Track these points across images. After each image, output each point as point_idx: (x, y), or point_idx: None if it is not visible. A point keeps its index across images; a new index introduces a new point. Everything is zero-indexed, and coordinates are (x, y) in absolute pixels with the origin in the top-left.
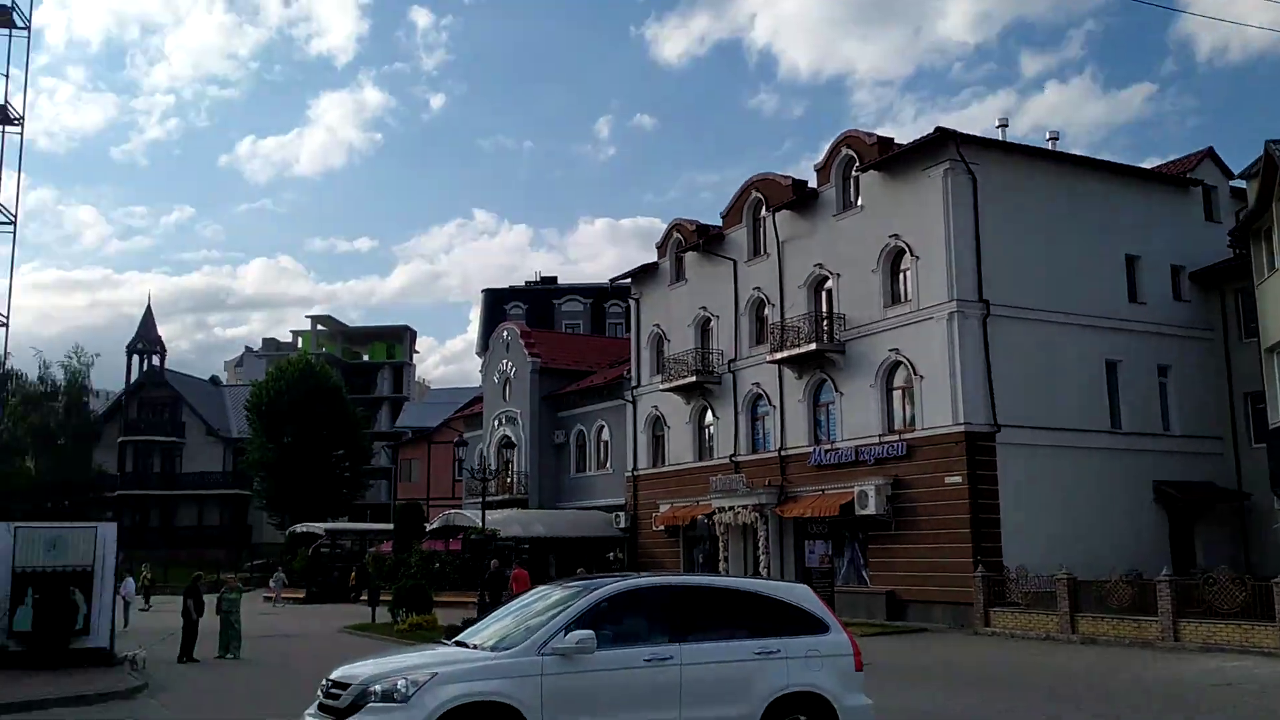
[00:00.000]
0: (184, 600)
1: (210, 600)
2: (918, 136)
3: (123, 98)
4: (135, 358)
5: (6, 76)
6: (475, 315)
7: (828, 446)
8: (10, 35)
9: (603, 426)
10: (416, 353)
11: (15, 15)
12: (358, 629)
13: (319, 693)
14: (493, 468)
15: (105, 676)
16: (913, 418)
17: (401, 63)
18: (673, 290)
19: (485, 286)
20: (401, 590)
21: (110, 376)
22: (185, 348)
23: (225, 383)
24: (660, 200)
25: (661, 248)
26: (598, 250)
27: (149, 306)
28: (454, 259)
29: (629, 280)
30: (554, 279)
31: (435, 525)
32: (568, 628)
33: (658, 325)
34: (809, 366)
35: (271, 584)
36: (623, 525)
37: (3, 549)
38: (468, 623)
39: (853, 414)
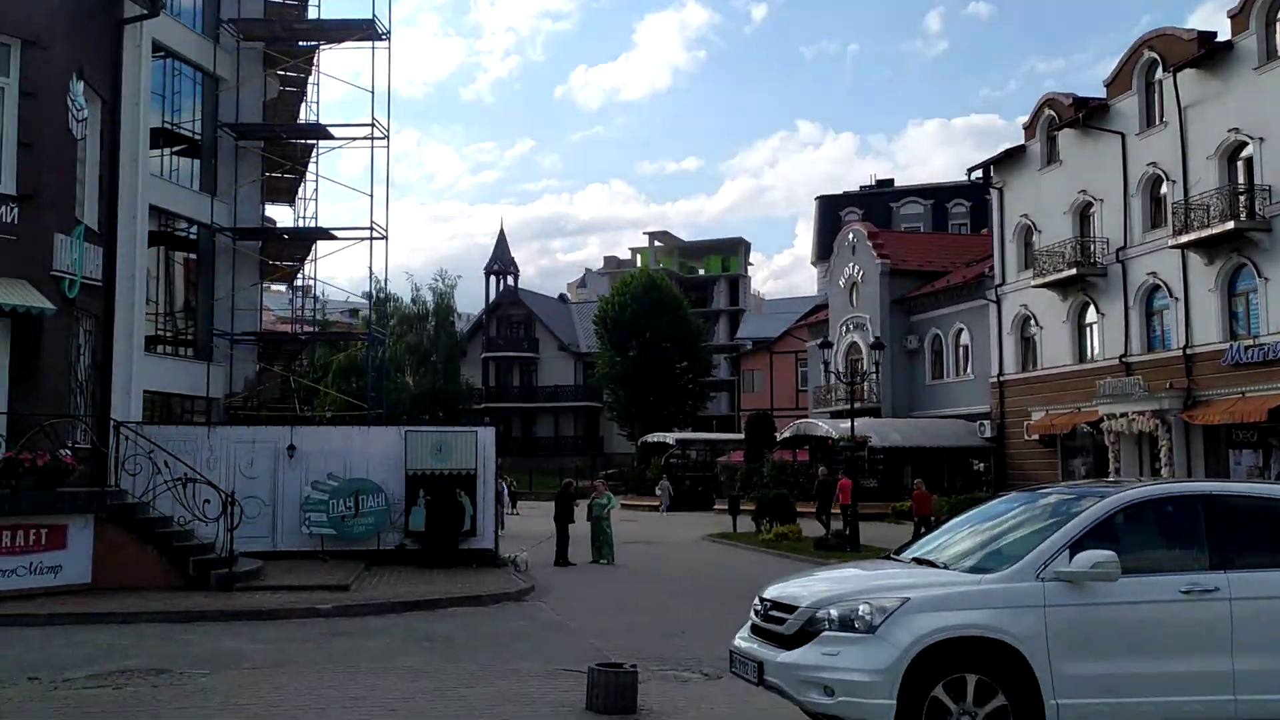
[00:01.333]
0: (556, 506)
1: (579, 507)
2: None
3: (469, 40)
4: (492, 279)
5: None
6: (801, 229)
7: (1249, 342)
8: None
9: (961, 329)
10: (750, 265)
11: None
12: (720, 537)
13: (752, 614)
14: (845, 375)
15: (494, 578)
16: None
17: None
18: (1044, 174)
19: (816, 194)
20: (764, 500)
21: (467, 301)
22: (531, 273)
23: (571, 301)
24: (998, 94)
25: (1029, 128)
26: (928, 153)
27: (502, 230)
28: (779, 173)
29: (981, 175)
30: (890, 181)
31: (786, 435)
32: (1072, 546)
33: (1025, 215)
34: (1223, 249)
35: (658, 492)
36: (988, 434)
37: (395, 452)
38: (836, 535)
39: None
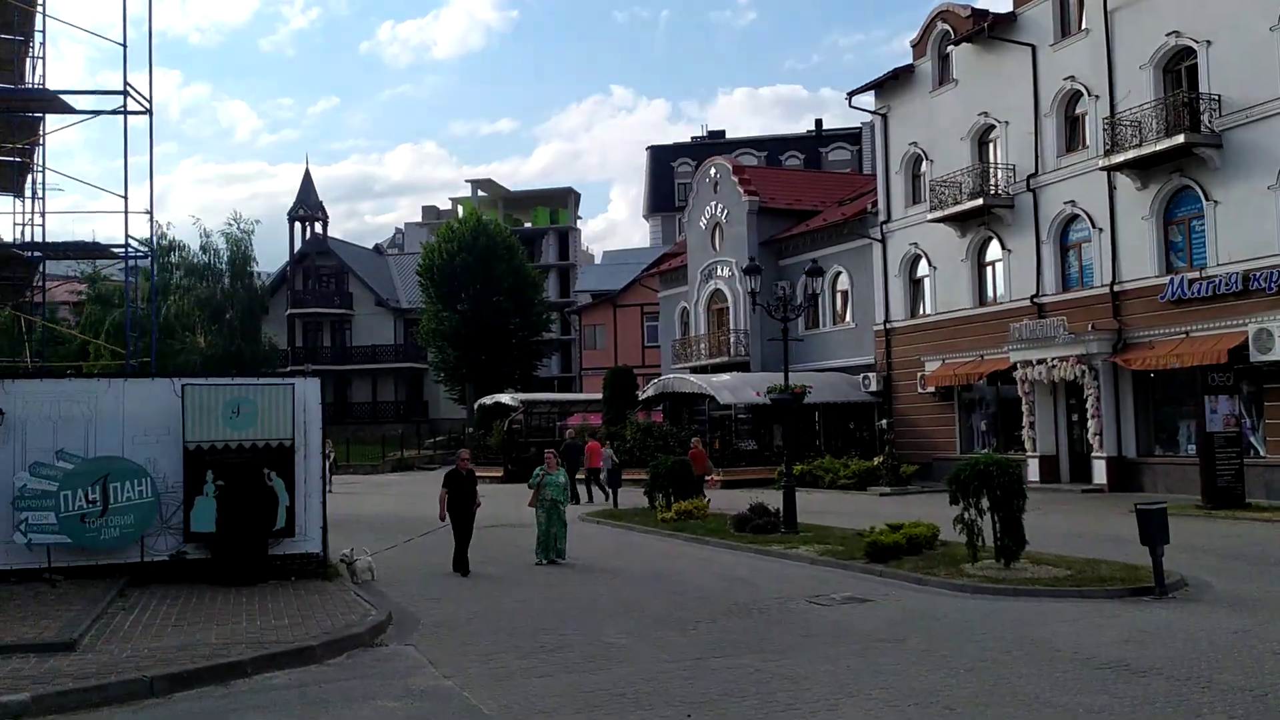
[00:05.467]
0: (451, 489)
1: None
2: None
3: None
4: (298, 226)
5: None
6: (617, 194)
7: (1194, 275)
8: None
9: (840, 273)
10: (580, 217)
11: None
12: (602, 516)
13: None
14: (702, 329)
15: (326, 602)
16: None
17: None
18: (936, 97)
19: (648, 145)
20: (660, 469)
21: (269, 261)
22: (338, 235)
23: (388, 253)
24: (803, 66)
25: (919, 45)
26: (738, 122)
27: (308, 173)
28: (593, 137)
29: (861, 103)
30: (721, 133)
31: (649, 392)
32: None
33: (914, 143)
34: (1162, 171)
35: (604, 464)
36: (873, 388)
37: (169, 417)
38: (755, 511)
39: (1236, 229)
